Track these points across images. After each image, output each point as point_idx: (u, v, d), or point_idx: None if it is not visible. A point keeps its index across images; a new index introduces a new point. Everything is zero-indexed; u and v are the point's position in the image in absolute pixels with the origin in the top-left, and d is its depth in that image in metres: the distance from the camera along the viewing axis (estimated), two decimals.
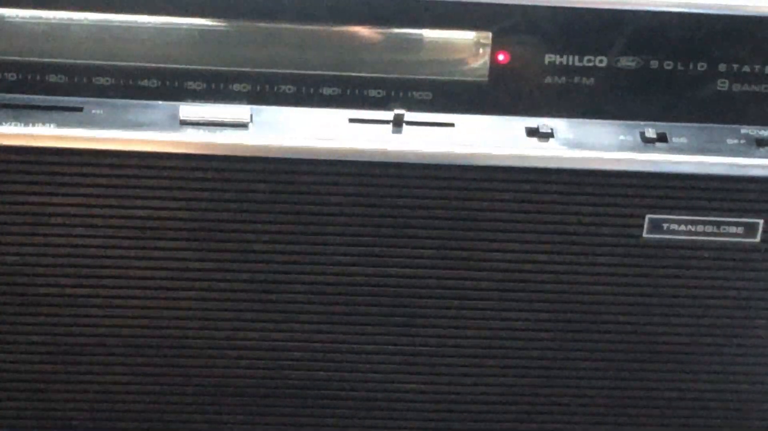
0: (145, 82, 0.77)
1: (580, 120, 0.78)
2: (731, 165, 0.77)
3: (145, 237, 0.78)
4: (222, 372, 0.82)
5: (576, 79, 0.78)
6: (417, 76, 0.77)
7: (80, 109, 0.76)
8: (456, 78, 0.78)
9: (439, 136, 0.77)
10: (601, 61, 0.77)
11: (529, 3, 0.76)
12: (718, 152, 0.77)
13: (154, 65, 0.76)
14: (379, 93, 0.77)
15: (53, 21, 0.75)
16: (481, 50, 0.77)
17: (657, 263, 0.80)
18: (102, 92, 0.76)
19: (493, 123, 0.77)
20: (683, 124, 0.78)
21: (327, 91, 0.77)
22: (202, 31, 0.76)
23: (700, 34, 0.77)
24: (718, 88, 0.78)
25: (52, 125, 0.75)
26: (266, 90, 0.77)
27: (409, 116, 0.77)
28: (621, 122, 0.78)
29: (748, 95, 0.78)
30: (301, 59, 0.77)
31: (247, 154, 0.76)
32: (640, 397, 0.84)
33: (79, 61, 0.76)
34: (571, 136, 0.78)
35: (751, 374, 0.84)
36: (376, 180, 0.77)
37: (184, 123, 0.76)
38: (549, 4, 0.76)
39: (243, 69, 0.77)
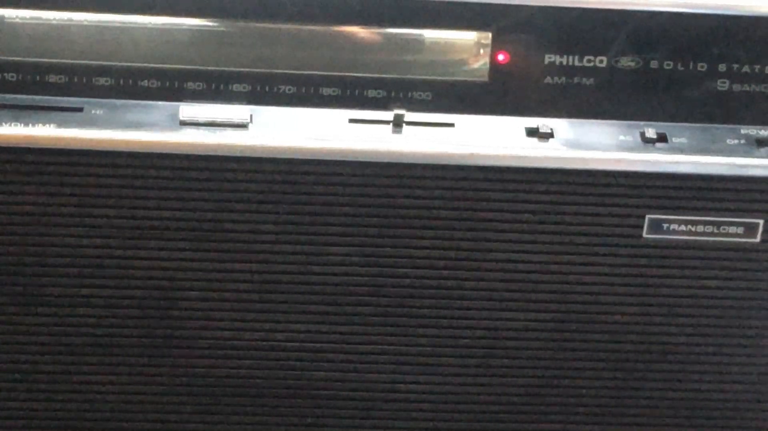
0: (145, 83, 0.77)
1: (580, 120, 0.78)
2: (731, 165, 0.77)
3: (145, 237, 0.78)
4: (222, 372, 0.82)
5: (576, 79, 0.78)
6: (417, 77, 0.77)
7: (80, 110, 0.76)
8: (456, 78, 0.78)
9: (439, 136, 0.77)
10: (601, 61, 0.77)
11: (529, 3, 0.76)
12: (718, 152, 0.77)
13: (153, 65, 0.76)
14: (379, 93, 0.77)
15: (53, 21, 0.75)
16: (481, 50, 0.77)
17: (657, 263, 0.80)
18: (102, 92, 0.76)
19: (493, 123, 0.77)
20: (683, 124, 0.78)
21: (327, 91, 0.77)
22: (202, 32, 0.76)
23: (700, 34, 0.77)
24: (718, 88, 0.78)
25: (52, 125, 0.75)
26: (266, 90, 0.77)
27: (409, 116, 0.77)
28: (621, 122, 0.78)
29: (748, 95, 0.78)
30: (301, 59, 0.77)
31: (247, 154, 0.76)
32: (639, 397, 0.84)
33: (79, 62, 0.76)
34: (571, 136, 0.78)
35: (751, 374, 0.84)
36: (376, 180, 0.77)
37: (184, 123, 0.76)
38: (549, 4, 0.76)
39: (243, 69, 0.77)
